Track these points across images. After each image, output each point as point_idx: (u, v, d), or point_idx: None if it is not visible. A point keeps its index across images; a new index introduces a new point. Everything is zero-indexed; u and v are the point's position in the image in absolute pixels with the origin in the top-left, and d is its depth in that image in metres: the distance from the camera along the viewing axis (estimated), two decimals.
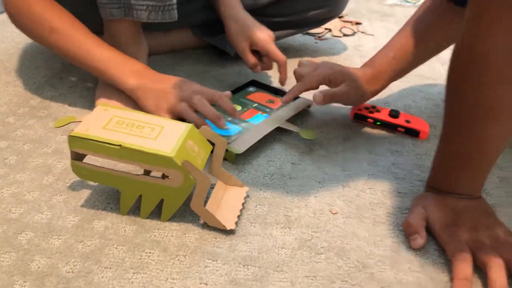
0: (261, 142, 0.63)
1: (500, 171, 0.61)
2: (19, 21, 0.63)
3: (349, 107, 0.75)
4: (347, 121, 0.71)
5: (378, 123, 0.69)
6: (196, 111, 0.61)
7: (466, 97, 0.46)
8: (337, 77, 0.64)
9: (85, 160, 0.49)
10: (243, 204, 0.52)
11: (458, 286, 0.42)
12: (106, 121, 0.48)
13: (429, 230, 0.49)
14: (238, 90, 0.75)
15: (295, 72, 0.68)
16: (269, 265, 0.45)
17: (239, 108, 0.70)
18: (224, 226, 0.48)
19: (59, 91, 0.75)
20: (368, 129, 0.69)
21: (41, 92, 0.74)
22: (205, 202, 0.49)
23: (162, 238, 0.47)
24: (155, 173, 0.54)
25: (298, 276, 0.44)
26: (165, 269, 0.44)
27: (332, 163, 0.61)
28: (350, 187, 0.56)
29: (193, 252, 0.46)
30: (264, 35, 0.73)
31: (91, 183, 0.54)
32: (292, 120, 0.68)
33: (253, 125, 0.65)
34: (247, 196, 0.54)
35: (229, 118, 0.66)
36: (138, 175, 0.48)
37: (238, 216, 0.50)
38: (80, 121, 0.49)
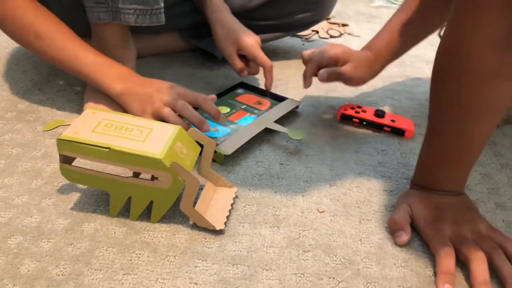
0: (249, 143, 0.64)
1: (482, 168, 0.62)
2: (5, 26, 0.62)
3: (336, 107, 0.76)
4: (334, 122, 0.72)
5: (364, 123, 0.70)
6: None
7: (449, 96, 0.47)
8: (343, 57, 0.66)
9: (74, 163, 0.50)
10: (232, 204, 0.53)
11: (441, 280, 0.43)
12: (94, 124, 0.48)
13: (413, 227, 0.50)
14: (226, 92, 0.76)
15: (303, 55, 0.71)
16: (258, 264, 0.45)
17: (227, 110, 0.71)
18: (213, 226, 0.48)
19: (47, 95, 0.75)
20: (354, 129, 0.71)
21: (28, 96, 0.74)
22: (194, 203, 0.50)
23: (152, 239, 0.48)
24: (144, 175, 0.54)
25: (286, 273, 0.45)
26: (155, 270, 0.44)
27: (319, 163, 0.62)
28: (337, 186, 0.57)
29: (183, 253, 0.46)
30: (250, 40, 0.74)
31: (80, 186, 0.55)
32: (280, 121, 0.69)
33: (241, 127, 0.66)
34: (236, 196, 0.55)
35: None
36: (127, 177, 0.48)
37: (227, 217, 0.51)
38: (69, 125, 0.49)
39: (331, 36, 1.08)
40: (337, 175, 0.60)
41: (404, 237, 0.48)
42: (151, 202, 0.49)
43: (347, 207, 0.54)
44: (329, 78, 0.65)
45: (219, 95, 0.74)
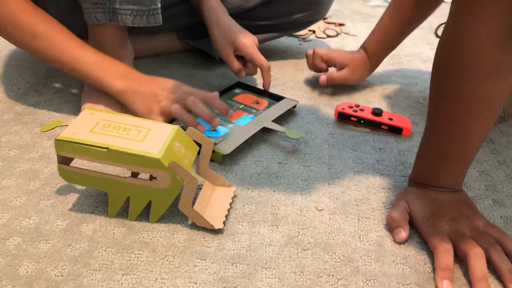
0: (247, 142, 0.64)
1: (480, 165, 0.63)
2: (1, 27, 0.62)
3: (333, 106, 0.76)
4: (331, 120, 0.72)
5: (361, 121, 0.70)
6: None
7: (449, 91, 0.47)
8: (342, 62, 0.79)
9: (72, 164, 0.49)
10: (230, 203, 0.53)
11: (440, 276, 0.43)
12: (92, 124, 0.48)
13: (412, 224, 0.50)
14: (224, 92, 0.76)
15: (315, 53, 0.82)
16: (257, 262, 0.46)
17: None
18: (212, 225, 0.48)
19: (44, 97, 0.74)
20: (352, 128, 0.71)
21: (25, 98, 0.74)
22: (193, 202, 0.50)
23: (151, 239, 0.48)
24: (143, 175, 0.54)
25: (285, 272, 0.45)
26: (154, 270, 0.44)
27: (317, 162, 0.62)
28: (335, 184, 0.58)
29: (182, 252, 0.46)
30: (248, 41, 0.74)
31: (79, 187, 0.55)
32: (278, 120, 0.69)
33: (239, 126, 0.66)
34: (235, 195, 0.55)
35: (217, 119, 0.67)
36: (125, 177, 0.48)
37: (226, 216, 0.51)
38: (67, 125, 0.49)
39: (328, 36, 1.09)
40: (335, 173, 0.60)
41: (403, 234, 0.48)
42: (150, 202, 0.49)
43: (346, 205, 0.54)
44: (329, 82, 0.78)
45: None
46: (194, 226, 0.49)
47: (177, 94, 0.61)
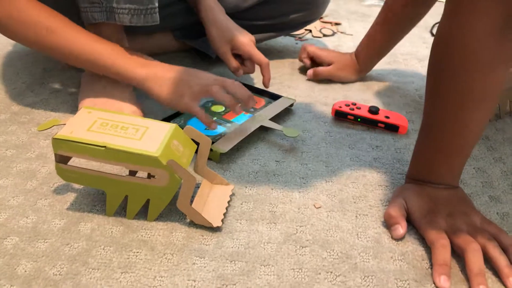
0: (245, 141, 0.64)
1: (476, 162, 0.63)
2: (9, 26, 0.60)
3: (330, 105, 0.77)
4: (328, 119, 0.72)
5: (358, 119, 0.70)
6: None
7: (446, 85, 0.48)
8: (327, 60, 0.84)
9: (69, 163, 0.49)
10: (228, 201, 0.53)
11: (437, 272, 0.43)
12: (90, 123, 0.48)
13: (409, 220, 0.50)
14: None
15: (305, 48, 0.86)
16: (256, 260, 0.46)
17: (222, 108, 0.71)
18: (210, 223, 0.48)
19: (40, 97, 0.74)
20: (349, 126, 0.71)
21: (22, 98, 0.74)
22: (191, 201, 0.50)
23: (149, 237, 0.48)
24: (141, 173, 0.54)
25: (284, 269, 0.45)
26: (153, 268, 0.44)
27: (315, 160, 0.62)
28: (333, 182, 0.58)
29: (181, 250, 0.46)
30: (245, 39, 0.74)
31: (76, 186, 0.54)
32: (275, 119, 0.69)
33: (237, 125, 0.66)
34: (233, 194, 0.55)
35: (214, 118, 0.67)
36: (123, 176, 0.48)
37: (224, 214, 0.51)
38: (64, 124, 0.49)
39: (325, 35, 1.09)
40: (332, 171, 0.60)
41: (400, 230, 0.48)
42: (148, 201, 0.49)
43: (344, 203, 0.54)
44: (314, 76, 0.84)
45: None
46: (192, 224, 0.49)
47: (213, 77, 0.61)
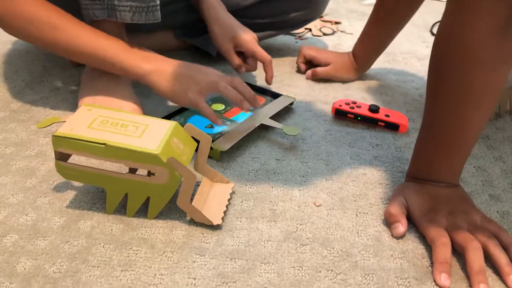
0: (245, 139, 0.64)
1: (476, 161, 0.63)
2: (12, 23, 0.59)
3: (330, 103, 0.77)
4: (328, 117, 0.72)
5: (358, 118, 0.70)
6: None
7: (447, 83, 0.48)
8: (324, 61, 0.84)
9: (69, 161, 0.49)
10: (229, 200, 0.53)
11: (438, 270, 0.43)
12: (90, 120, 0.48)
13: (409, 218, 0.50)
14: None
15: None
16: (256, 258, 0.46)
17: (222, 106, 0.71)
18: (210, 221, 0.48)
19: (40, 95, 0.74)
20: (349, 124, 0.71)
21: (21, 96, 0.74)
22: (191, 199, 0.50)
23: (149, 235, 0.48)
24: (141, 171, 0.54)
25: (284, 267, 0.45)
26: (153, 266, 0.44)
27: (315, 158, 0.62)
28: (333, 180, 0.58)
29: (181, 248, 0.46)
30: (248, 37, 0.74)
31: (76, 184, 0.54)
32: (275, 117, 0.69)
33: (237, 123, 0.66)
34: (233, 192, 0.55)
35: None
36: (123, 173, 0.48)
37: (224, 212, 0.51)
38: (64, 122, 0.49)
39: (324, 34, 1.09)
40: (333, 169, 0.60)
41: (401, 229, 0.48)
42: (148, 198, 0.49)
43: (344, 201, 0.54)
44: (313, 77, 0.84)
45: None
46: (192, 222, 0.49)
47: (220, 74, 0.61)
